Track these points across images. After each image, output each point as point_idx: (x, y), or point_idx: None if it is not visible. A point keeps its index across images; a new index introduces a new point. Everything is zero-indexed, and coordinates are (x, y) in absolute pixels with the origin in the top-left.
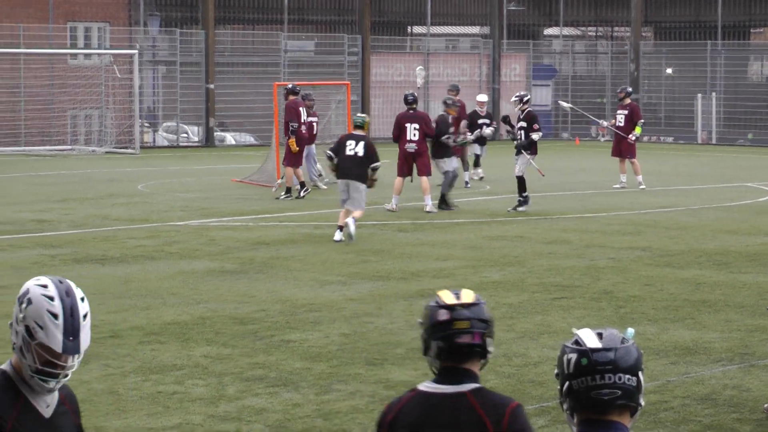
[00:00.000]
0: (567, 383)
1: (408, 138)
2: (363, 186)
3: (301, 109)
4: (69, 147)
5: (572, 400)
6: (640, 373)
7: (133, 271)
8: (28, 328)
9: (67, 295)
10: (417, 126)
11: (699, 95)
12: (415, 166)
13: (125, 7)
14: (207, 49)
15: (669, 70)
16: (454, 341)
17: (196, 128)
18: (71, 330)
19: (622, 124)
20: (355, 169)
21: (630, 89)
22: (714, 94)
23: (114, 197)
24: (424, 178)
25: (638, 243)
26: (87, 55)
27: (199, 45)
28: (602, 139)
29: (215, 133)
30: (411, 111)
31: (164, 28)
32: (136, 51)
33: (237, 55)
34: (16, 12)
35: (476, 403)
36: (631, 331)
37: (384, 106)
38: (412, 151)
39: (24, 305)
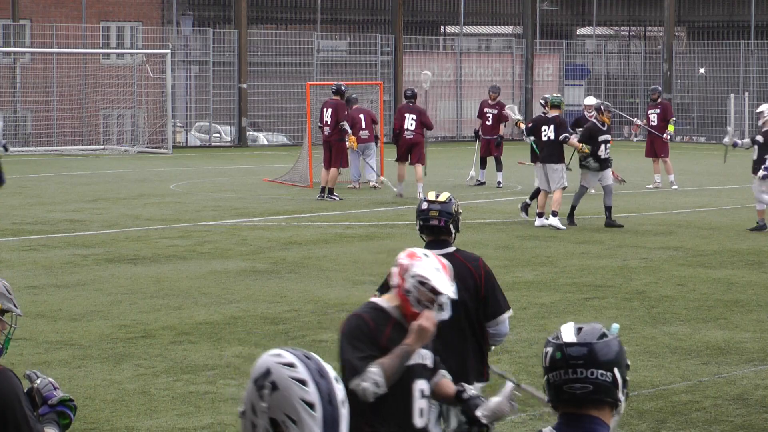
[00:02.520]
0: (545, 376)
1: (406, 127)
2: (559, 166)
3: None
4: (101, 147)
5: (550, 394)
6: (616, 369)
7: (165, 270)
8: (275, 422)
9: (321, 377)
10: (414, 117)
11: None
12: (410, 154)
13: (158, 7)
14: (240, 48)
15: (702, 70)
16: (428, 222)
17: (228, 128)
18: (331, 423)
19: (655, 123)
20: (550, 152)
21: (660, 89)
22: (747, 94)
23: (146, 197)
24: (418, 166)
25: (670, 243)
26: (120, 55)
27: (232, 45)
28: (635, 139)
29: (247, 133)
30: (410, 104)
31: (197, 28)
32: (168, 51)
33: (270, 54)
34: (50, 11)
35: (459, 256)
36: (615, 326)
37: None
38: (411, 137)
39: (266, 391)
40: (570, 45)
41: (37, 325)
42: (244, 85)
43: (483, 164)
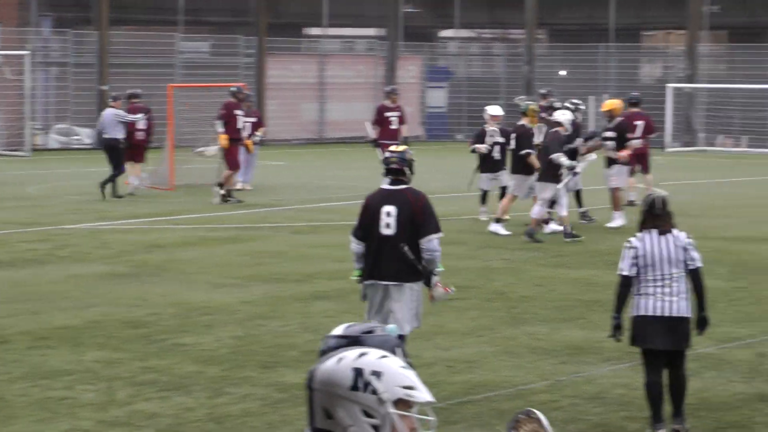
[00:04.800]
0: None
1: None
2: (531, 177)
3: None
4: None
5: None
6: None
7: (24, 275)
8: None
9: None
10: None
11: (591, 97)
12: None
13: (16, 8)
14: (100, 50)
15: (562, 72)
16: (389, 167)
17: (88, 130)
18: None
19: None
20: (515, 164)
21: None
22: (606, 95)
23: (3, 200)
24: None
25: (531, 244)
26: None
27: (93, 46)
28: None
29: None
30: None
31: (57, 29)
32: (27, 52)
33: (131, 56)
34: None
35: (408, 192)
36: (389, 327)
37: (280, 108)
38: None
39: (376, 382)
40: (432, 47)
41: None
42: (105, 87)
43: None
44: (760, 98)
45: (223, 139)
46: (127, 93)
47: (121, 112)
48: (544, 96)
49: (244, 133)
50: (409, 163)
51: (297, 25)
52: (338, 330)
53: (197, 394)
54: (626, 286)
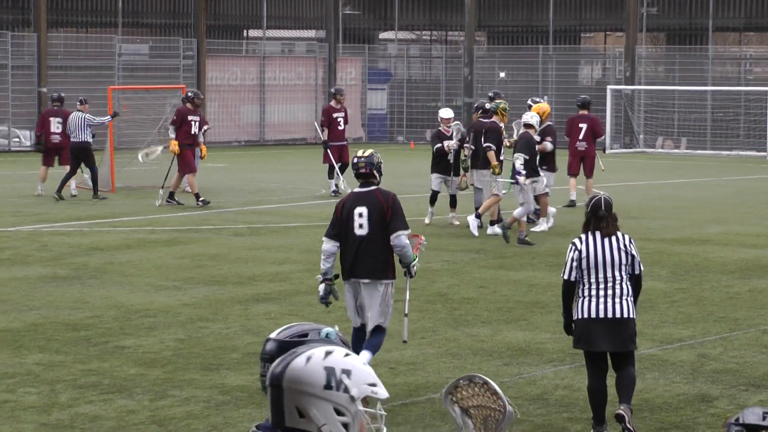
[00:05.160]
0: None
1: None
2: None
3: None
4: None
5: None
6: None
7: None
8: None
9: (338, 340)
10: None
11: (531, 99)
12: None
13: None
14: (39, 52)
15: (502, 74)
16: (358, 171)
17: (28, 132)
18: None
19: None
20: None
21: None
22: (546, 97)
23: None
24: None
25: (472, 245)
26: None
27: (31, 48)
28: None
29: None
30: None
31: None
32: None
33: (70, 58)
34: None
35: (377, 192)
36: (326, 330)
37: (220, 110)
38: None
39: (346, 380)
40: (372, 49)
41: None
42: (44, 89)
43: (332, 173)
44: (699, 100)
45: (174, 146)
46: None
47: (89, 116)
48: (491, 98)
49: (200, 138)
50: (377, 166)
51: (237, 27)
52: (275, 333)
53: (140, 396)
54: (570, 290)
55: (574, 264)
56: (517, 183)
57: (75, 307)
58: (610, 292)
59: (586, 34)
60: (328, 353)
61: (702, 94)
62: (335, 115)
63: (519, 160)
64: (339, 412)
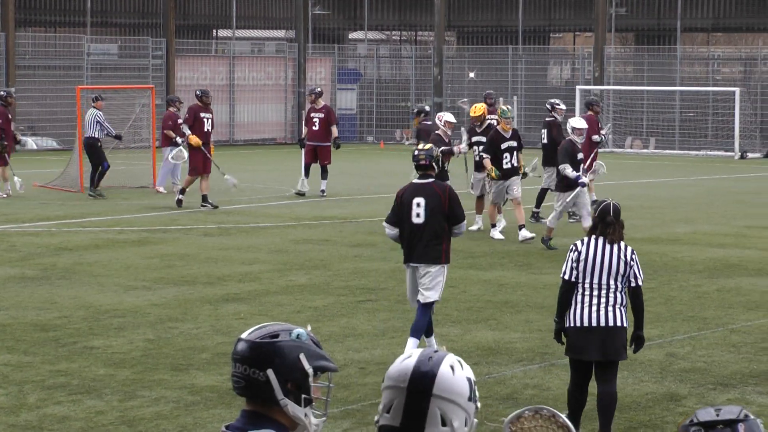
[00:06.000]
0: None
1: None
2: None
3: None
4: None
5: None
6: (271, 371)
7: None
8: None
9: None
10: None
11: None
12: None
13: None
14: (7, 51)
15: (471, 74)
16: (419, 163)
17: None
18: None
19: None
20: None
21: (494, 93)
22: (515, 97)
23: None
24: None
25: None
26: None
27: None
28: (407, 143)
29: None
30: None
31: None
32: None
33: (38, 58)
34: None
35: (434, 184)
36: (297, 331)
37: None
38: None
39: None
40: (342, 49)
41: None
42: (12, 89)
43: (307, 173)
44: (667, 100)
45: (193, 139)
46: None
47: (100, 114)
48: (485, 98)
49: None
50: (436, 159)
51: (206, 27)
52: (246, 334)
53: (109, 397)
54: (568, 290)
55: (573, 264)
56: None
57: (43, 308)
58: (603, 299)
59: (555, 34)
60: (460, 363)
61: (670, 95)
62: (312, 115)
63: (567, 169)
64: (466, 422)
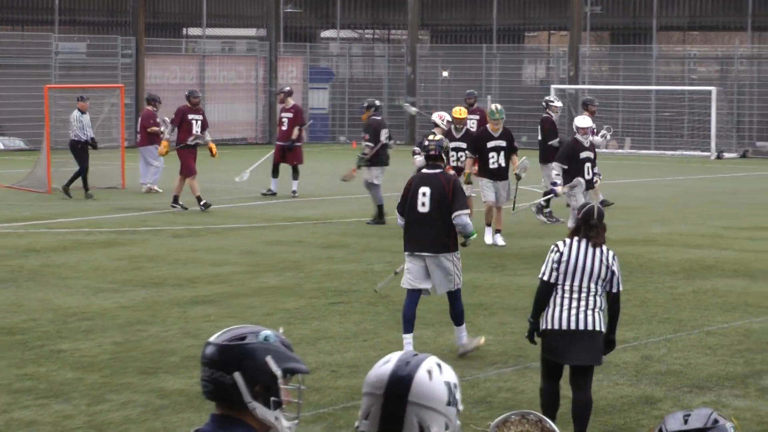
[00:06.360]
0: None
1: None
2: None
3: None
4: None
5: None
6: (238, 374)
7: None
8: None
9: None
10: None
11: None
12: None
13: None
14: None
15: (445, 73)
16: (428, 153)
17: None
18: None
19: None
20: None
21: (476, 93)
22: (489, 97)
23: None
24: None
25: None
26: None
27: None
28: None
29: None
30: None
31: None
32: None
33: (6, 56)
34: None
35: (441, 175)
36: (265, 333)
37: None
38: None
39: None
40: (314, 48)
41: None
42: None
43: (275, 173)
44: (643, 100)
45: (163, 147)
46: None
47: (76, 114)
48: (466, 98)
49: (207, 137)
50: (445, 150)
51: (176, 26)
52: (214, 337)
53: (77, 401)
54: (546, 291)
55: (554, 265)
56: (556, 195)
57: (10, 311)
58: (582, 303)
59: (529, 33)
60: (439, 366)
61: (646, 94)
62: (282, 114)
63: (554, 170)
64: (446, 426)
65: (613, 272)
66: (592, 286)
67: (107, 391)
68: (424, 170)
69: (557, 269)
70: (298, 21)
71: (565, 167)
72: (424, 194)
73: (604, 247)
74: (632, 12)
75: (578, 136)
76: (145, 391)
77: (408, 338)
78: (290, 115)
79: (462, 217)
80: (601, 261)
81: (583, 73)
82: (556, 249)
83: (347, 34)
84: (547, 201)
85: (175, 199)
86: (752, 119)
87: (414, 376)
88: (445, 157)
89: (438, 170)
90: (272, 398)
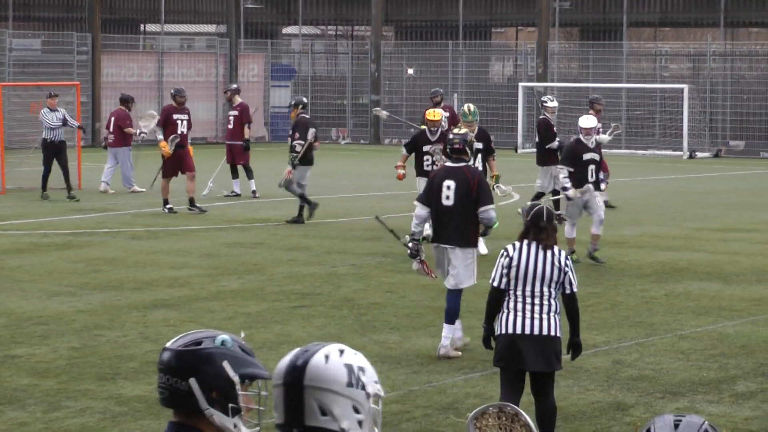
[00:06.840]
0: None
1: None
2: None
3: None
4: None
5: None
6: (193, 380)
7: None
8: None
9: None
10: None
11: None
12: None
13: None
14: None
15: (410, 71)
16: (453, 147)
17: None
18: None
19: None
20: None
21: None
22: (456, 94)
23: None
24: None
25: (379, 249)
26: None
27: None
28: (343, 143)
29: None
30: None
31: None
32: None
33: None
34: None
35: (465, 169)
36: (221, 337)
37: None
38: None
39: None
40: (275, 45)
41: None
42: None
43: (234, 173)
44: (613, 97)
45: (164, 147)
46: None
47: (44, 111)
48: (432, 96)
49: (160, 136)
50: (470, 144)
51: (133, 22)
52: (171, 342)
53: (32, 408)
54: (498, 298)
55: (504, 271)
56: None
57: None
58: (537, 308)
59: (497, 29)
60: (341, 351)
61: (617, 92)
62: (229, 113)
63: (561, 173)
64: (356, 410)
65: (565, 273)
66: (545, 289)
67: (64, 398)
68: (448, 163)
69: (507, 274)
70: (259, 17)
71: (571, 170)
72: (448, 187)
73: (556, 248)
74: (602, 7)
75: (581, 137)
76: (103, 397)
77: (448, 330)
78: (236, 113)
79: (489, 212)
80: (552, 263)
81: (551, 71)
82: (505, 254)
83: (310, 31)
84: (556, 203)
85: (191, 202)
86: (725, 118)
87: (309, 361)
88: (468, 151)
89: (462, 164)
90: (230, 405)
